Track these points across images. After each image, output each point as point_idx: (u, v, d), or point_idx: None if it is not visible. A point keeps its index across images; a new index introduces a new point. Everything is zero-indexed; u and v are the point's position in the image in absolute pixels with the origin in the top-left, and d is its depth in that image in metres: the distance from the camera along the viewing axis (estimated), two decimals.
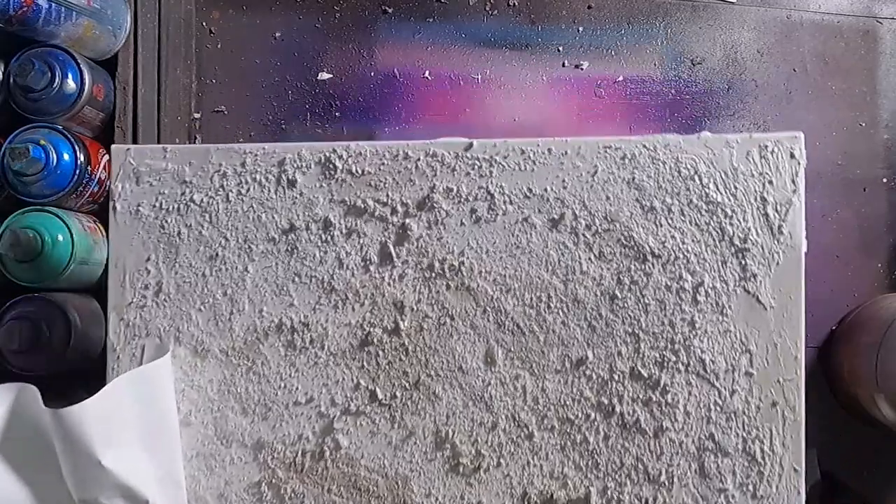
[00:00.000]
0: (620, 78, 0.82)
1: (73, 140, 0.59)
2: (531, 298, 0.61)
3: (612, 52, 0.81)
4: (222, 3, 0.84)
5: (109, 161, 0.64)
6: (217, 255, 0.66)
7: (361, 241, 0.64)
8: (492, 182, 0.62)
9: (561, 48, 0.81)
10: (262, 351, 0.65)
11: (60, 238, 0.62)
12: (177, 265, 0.67)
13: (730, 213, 0.58)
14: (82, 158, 0.60)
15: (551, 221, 0.61)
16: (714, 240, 0.58)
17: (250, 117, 0.73)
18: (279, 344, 0.65)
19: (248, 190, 0.66)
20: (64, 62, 0.58)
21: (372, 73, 0.84)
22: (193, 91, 0.84)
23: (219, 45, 0.86)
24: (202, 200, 0.67)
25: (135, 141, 0.75)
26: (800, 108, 0.83)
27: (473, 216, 0.62)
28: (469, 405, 0.62)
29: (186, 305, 0.67)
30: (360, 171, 0.64)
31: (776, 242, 0.58)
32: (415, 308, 0.63)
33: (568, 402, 0.61)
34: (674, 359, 0.59)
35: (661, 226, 0.59)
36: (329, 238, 0.64)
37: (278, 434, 0.65)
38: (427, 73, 0.82)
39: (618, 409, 0.60)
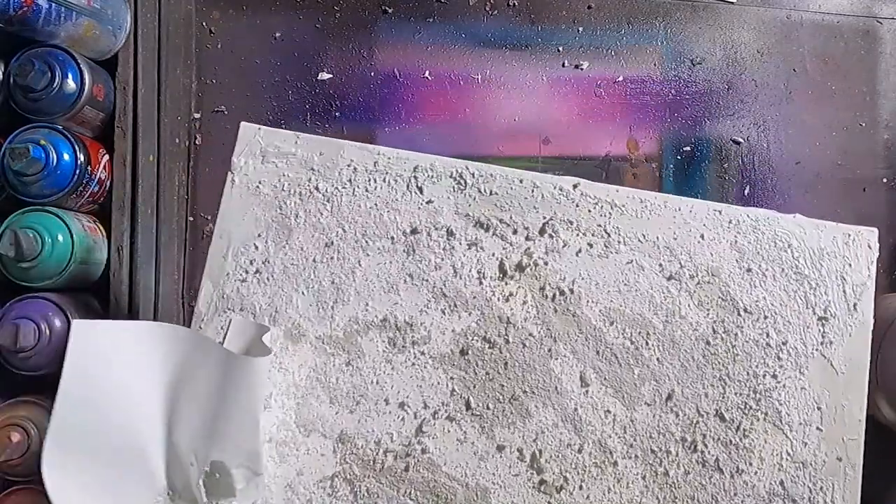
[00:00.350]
0: (620, 78, 0.81)
1: (73, 140, 0.60)
2: (631, 333, 0.66)
3: (612, 52, 0.80)
4: (222, 3, 0.84)
5: (110, 161, 0.64)
6: (332, 243, 0.68)
7: (479, 255, 0.68)
8: (610, 222, 0.68)
9: (561, 48, 0.80)
10: (360, 344, 0.66)
11: (60, 238, 0.61)
12: (287, 247, 0.68)
13: (814, 285, 0.66)
14: (82, 158, 0.60)
15: (659, 267, 0.67)
16: (799, 306, 0.66)
17: (250, 117, 0.75)
18: (379, 339, 0.66)
19: (375, 188, 0.69)
20: (64, 62, 0.58)
21: (372, 73, 0.82)
22: (193, 91, 0.83)
23: (219, 45, 0.85)
24: (327, 189, 0.69)
25: (134, 141, 0.73)
26: (800, 108, 0.82)
27: (589, 250, 0.67)
28: (559, 425, 0.65)
29: (289, 287, 0.67)
30: (488, 191, 0.68)
31: (850, 317, 0.66)
32: (520, 326, 0.66)
33: (654, 435, 0.65)
34: (755, 406, 0.65)
35: (756, 287, 0.66)
36: (449, 247, 0.68)
37: (363, 429, 0.65)
38: (427, 73, 0.81)
39: (699, 446, 0.64)
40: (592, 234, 0.68)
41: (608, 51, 0.87)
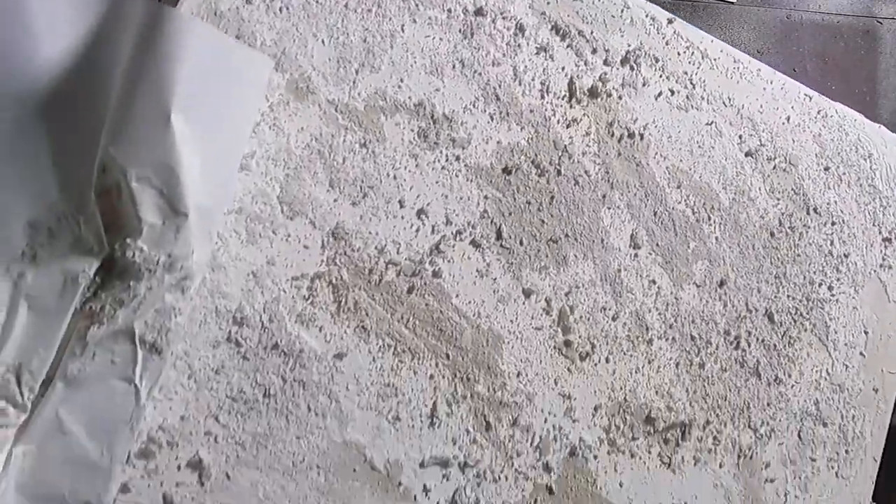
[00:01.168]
0: None
1: None
2: (695, 202, 0.56)
3: None
4: None
5: None
6: None
7: (547, 65, 0.55)
8: (698, 73, 0.58)
9: None
10: (382, 125, 0.51)
11: None
12: None
13: (885, 203, 0.60)
14: None
15: (739, 138, 0.58)
16: (867, 221, 0.60)
17: None
18: (408, 127, 0.52)
19: None
20: None
21: None
22: None
23: None
24: None
25: None
26: None
27: (669, 97, 0.57)
28: (597, 284, 0.54)
29: (306, 28, 0.51)
30: None
31: None
32: (577, 159, 0.55)
33: (697, 320, 0.55)
34: (805, 314, 0.57)
35: (830, 189, 0.59)
36: (515, 43, 0.55)
37: (364, 229, 0.50)
38: None
39: (742, 344, 0.56)
40: (676, 81, 0.58)
41: None
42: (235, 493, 0.45)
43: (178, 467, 0.45)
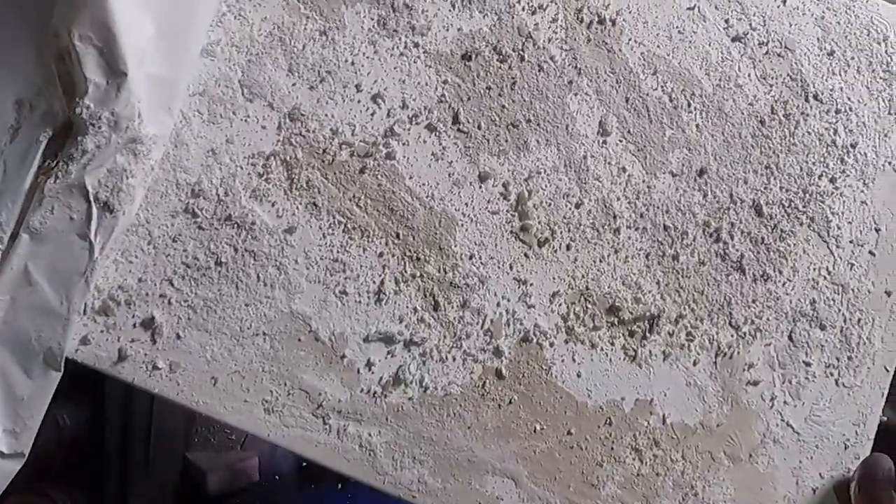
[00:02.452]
0: None
1: None
2: (672, 89, 0.53)
3: None
4: None
5: None
6: None
7: None
8: None
9: None
10: (342, 13, 0.53)
11: None
12: None
13: None
14: None
15: (725, 23, 0.54)
16: (880, 109, 0.54)
17: None
18: (368, 15, 0.53)
19: None
20: None
21: None
22: None
23: None
24: None
25: None
26: None
27: None
28: (560, 171, 0.52)
29: None
30: None
31: None
32: (542, 45, 0.53)
33: (672, 210, 0.52)
34: (801, 207, 0.52)
35: (835, 74, 0.54)
36: None
37: (320, 112, 0.51)
38: None
39: (724, 237, 0.51)
40: None
41: None
42: (185, 351, 0.48)
43: (134, 325, 0.48)
